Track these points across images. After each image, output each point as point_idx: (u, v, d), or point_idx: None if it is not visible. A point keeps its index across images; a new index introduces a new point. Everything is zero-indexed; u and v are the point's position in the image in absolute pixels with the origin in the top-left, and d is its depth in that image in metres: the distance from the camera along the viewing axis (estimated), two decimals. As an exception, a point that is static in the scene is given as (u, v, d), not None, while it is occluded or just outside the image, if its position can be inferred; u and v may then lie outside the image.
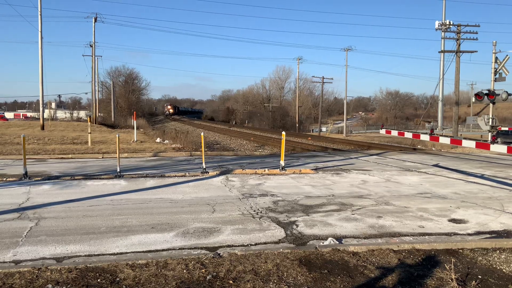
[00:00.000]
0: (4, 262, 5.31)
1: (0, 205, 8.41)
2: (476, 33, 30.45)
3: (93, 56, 48.91)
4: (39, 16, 32.29)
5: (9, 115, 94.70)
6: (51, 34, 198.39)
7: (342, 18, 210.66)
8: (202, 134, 14.02)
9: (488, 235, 6.87)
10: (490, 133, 19.70)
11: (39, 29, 32.34)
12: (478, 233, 7.01)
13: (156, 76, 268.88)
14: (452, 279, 4.73)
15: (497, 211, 8.52)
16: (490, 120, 17.93)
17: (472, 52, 30.64)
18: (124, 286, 4.47)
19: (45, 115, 40.55)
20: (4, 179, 11.43)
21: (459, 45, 30.11)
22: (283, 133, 14.04)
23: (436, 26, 31.09)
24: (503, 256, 5.69)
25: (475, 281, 4.79)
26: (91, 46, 48.80)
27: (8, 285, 4.43)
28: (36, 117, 67.40)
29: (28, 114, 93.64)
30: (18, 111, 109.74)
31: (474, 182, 12.16)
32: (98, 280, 4.61)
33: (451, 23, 30.64)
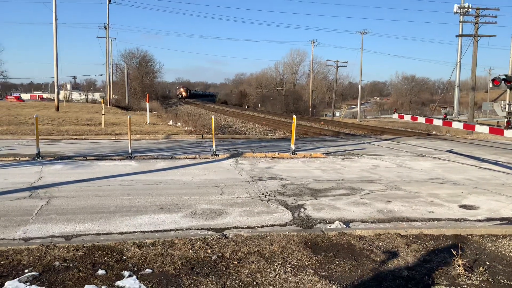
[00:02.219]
0: (14, 239, 5.41)
1: (13, 184, 8.55)
2: (496, 16, 29.68)
3: (107, 38, 49.02)
4: (53, -3, 32.33)
5: (25, 96, 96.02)
6: (65, 15, 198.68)
7: (358, 0, 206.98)
8: (212, 116, 14.01)
9: (498, 222, 6.78)
10: (506, 119, 19.33)
11: (54, 11, 32.46)
12: (489, 219, 6.91)
13: (170, 58, 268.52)
14: (459, 265, 4.68)
15: (509, 198, 8.39)
16: (507, 106, 17.56)
17: (490, 36, 29.94)
18: (130, 265, 4.52)
19: (61, 97, 40.98)
20: (18, 158, 11.61)
21: (477, 29, 29.40)
22: (294, 116, 13.96)
23: (455, 10, 30.37)
24: (513, 243, 5.61)
25: (483, 267, 4.73)
26: (105, 28, 48.89)
27: (16, 261, 4.51)
28: (52, 98, 68.05)
29: (44, 96, 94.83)
30: (34, 92, 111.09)
31: (488, 169, 11.98)
32: (105, 258, 4.66)
33: (470, 7, 29.89)
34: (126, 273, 4.29)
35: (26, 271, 4.28)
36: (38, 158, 11.57)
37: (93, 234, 5.70)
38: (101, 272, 4.31)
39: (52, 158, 11.73)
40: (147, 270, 4.40)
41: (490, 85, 17.24)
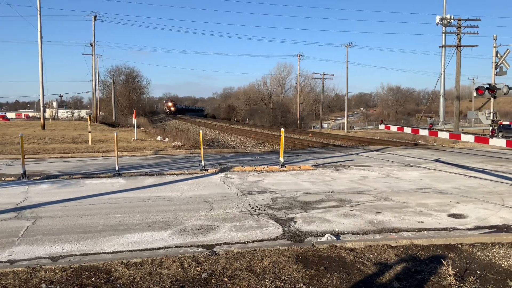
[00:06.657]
0: (-1, 262, 5.28)
1: (-2, 205, 8.38)
2: (477, 27, 30.35)
3: (93, 55, 48.92)
4: (38, 16, 32.24)
5: (10, 115, 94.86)
6: (51, 33, 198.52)
7: (342, 14, 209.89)
8: (200, 131, 13.98)
9: (487, 230, 6.82)
10: (491, 128, 19.59)
11: (39, 29, 32.30)
12: (478, 227, 6.95)
13: (157, 74, 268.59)
14: (450, 275, 4.68)
15: (497, 206, 8.46)
16: (491, 114, 17.82)
17: (472, 46, 30.55)
18: (118, 285, 4.44)
19: (47, 115, 40.60)
20: (3, 178, 11.42)
21: (460, 39, 29.99)
22: (282, 129, 13.99)
23: (437, 21, 31.00)
24: (502, 251, 5.64)
25: (473, 276, 4.73)
26: (91, 45, 48.82)
27: (1, 285, 4.40)
28: (38, 116, 67.36)
29: (30, 114, 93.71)
30: (20, 111, 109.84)
31: (475, 177, 12.09)
32: (93, 279, 4.57)
33: (452, 18, 30.54)
34: (114, 294, 4.21)
35: (11, 295, 4.18)
36: (24, 177, 11.40)
37: (80, 255, 5.60)
38: (88, 293, 4.22)
39: (38, 178, 11.56)
40: (136, 290, 4.32)
41: (474, 94, 17.52)
